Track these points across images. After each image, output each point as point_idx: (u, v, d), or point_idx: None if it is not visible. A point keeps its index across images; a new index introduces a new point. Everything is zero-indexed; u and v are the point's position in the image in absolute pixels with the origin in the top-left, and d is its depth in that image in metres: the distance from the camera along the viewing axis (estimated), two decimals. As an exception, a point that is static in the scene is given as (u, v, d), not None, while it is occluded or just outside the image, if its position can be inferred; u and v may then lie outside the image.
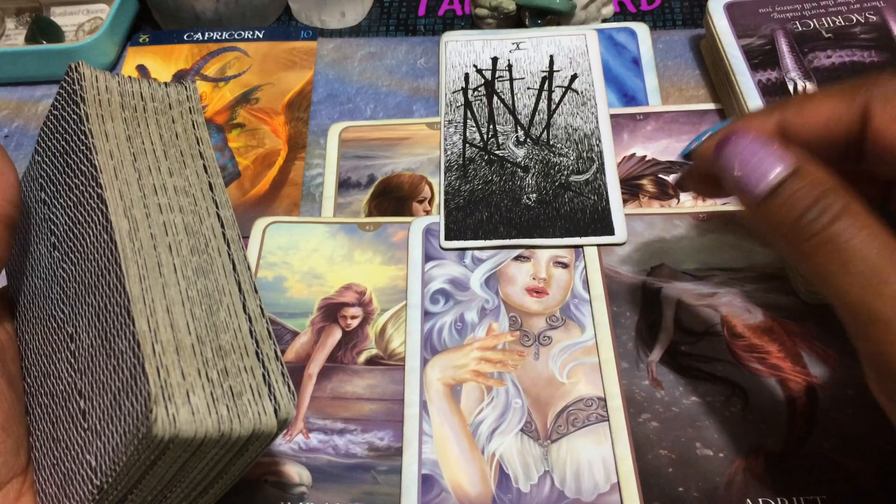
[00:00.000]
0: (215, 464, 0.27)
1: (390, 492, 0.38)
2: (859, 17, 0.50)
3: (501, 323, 0.43)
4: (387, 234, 0.47)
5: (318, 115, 0.55)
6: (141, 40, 0.60)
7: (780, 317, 0.41)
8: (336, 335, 0.43)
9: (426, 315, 0.43)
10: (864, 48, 0.49)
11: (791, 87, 0.47)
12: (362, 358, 0.42)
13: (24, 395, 0.33)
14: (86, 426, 0.27)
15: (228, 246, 0.29)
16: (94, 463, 0.27)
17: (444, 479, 0.38)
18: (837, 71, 0.48)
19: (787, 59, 0.49)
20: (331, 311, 0.44)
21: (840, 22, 0.50)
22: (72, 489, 0.28)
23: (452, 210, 0.47)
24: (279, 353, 0.27)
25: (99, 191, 0.28)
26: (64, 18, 0.62)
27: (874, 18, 0.50)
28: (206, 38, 0.60)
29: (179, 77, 0.58)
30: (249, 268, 0.29)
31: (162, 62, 0.59)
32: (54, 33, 0.60)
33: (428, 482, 0.38)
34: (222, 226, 0.29)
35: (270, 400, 0.26)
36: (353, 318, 0.44)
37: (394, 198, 0.49)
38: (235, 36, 0.59)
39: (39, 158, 0.33)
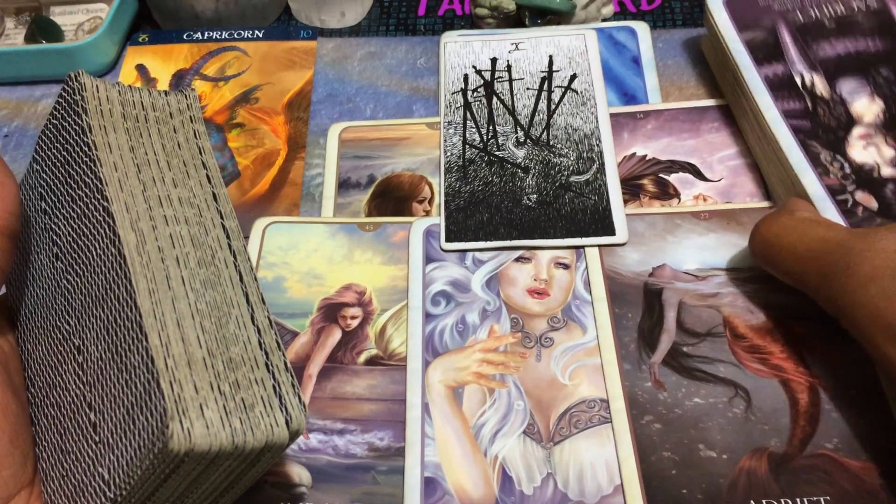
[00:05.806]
0: (227, 475, 0.27)
1: (390, 492, 0.38)
2: (860, 5, 0.50)
3: (503, 324, 0.43)
4: (386, 235, 0.47)
5: (318, 114, 0.55)
6: (140, 40, 0.60)
7: (783, 317, 0.41)
8: (336, 335, 0.43)
9: (427, 317, 0.43)
10: (867, 36, 0.48)
11: (798, 81, 0.47)
12: (362, 358, 0.42)
13: (28, 405, 0.33)
14: (97, 439, 0.27)
15: (235, 257, 0.29)
16: (107, 476, 0.27)
17: (447, 482, 0.38)
18: (843, 62, 0.47)
19: (792, 50, 0.48)
20: (330, 312, 0.44)
21: (841, 10, 0.49)
22: (83, 501, 0.28)
23: (453, 211, 0.47)
24: (289, 365, 0.27)
25: (105, 203, 0.28)
26: (63, 18, 0.62)
27: (875, 5, 0.49)
28: (205, 38, 0.59)
29: (179, 76, 0.57)
30: (256, 279, 0.29)
31: (161, 62, 0.58)
32: (54, 33, 0.60)
33: (430, 485, 0.38)
34: (228, 237, 0.29)
35: (282, 411, 0.26)
36: (352, 318, 0.44)
37: (394, 198, 0.49)
38: (235, 35, 0.59)
39: (38, 167, 0.33)
